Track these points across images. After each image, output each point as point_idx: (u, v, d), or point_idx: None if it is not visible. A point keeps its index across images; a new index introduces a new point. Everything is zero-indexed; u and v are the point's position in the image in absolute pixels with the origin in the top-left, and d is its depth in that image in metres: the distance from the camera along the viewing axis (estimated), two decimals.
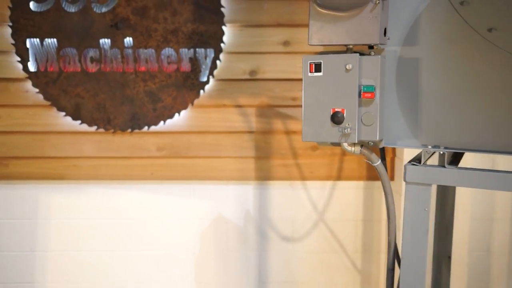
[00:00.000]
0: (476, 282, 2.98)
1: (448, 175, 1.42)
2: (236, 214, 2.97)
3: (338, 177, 2.92)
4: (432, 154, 1.54)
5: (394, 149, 2.78)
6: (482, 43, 1.33)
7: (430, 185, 1.43)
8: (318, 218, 2.96)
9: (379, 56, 1.38)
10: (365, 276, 3.01)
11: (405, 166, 1.45)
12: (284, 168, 2.90)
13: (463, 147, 1.44)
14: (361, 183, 2.92)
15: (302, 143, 2.87)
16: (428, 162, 1.47)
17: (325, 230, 2.97)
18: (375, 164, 1.48)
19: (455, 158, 1.63)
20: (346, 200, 2.95)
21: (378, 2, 1.34)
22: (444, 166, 1.43)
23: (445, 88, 1.41)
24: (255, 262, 3.00)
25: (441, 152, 1.44)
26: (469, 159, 2.30)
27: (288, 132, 2.87)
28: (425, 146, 1.45)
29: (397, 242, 1.64)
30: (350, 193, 2.94)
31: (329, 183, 2.93)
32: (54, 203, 2.93)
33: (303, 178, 2.91)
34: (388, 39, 1.44)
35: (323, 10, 1.38)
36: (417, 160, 1.49)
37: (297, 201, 2.95)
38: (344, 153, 2.88)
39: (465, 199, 2.79)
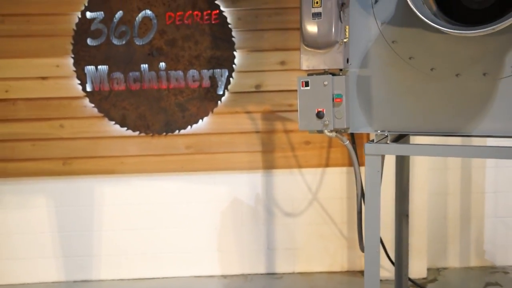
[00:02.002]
0: (435, 243, 3.80)
1: (389, 148, 2.28)
2: (248, 197, 3.76)
3: (327, 165, 3.73)
4: (385, 137, 2.38)
5: (368, 137, 3.56)
6: (405, 66, 2.18)
7: (379, 155, 2.27)
8: (312, 197, 3.77)
9: (344, 76, 2.23)
10: (350, 242, 3.80)
11: (364, 144, 2.29)
12: (284, 159, 3.71)
13: (399, 130, 2.28)
14: (344, 169, 3.72)
15: (298, 139, 3.68)
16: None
17: (318, 206, 3.78)
18: (345, 143, 2.33)
19: (399, 138, 2.48)
20: (333, 182, 3.75)
21: (342, 43, 2.19)
22: (387, 143, 2.28)
23: (385, 94, 2.25)
24: (264, 233, 3.80)
25: (386, 134, 2.29)
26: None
27: (286, 131, 3.68)
28: (376, 131, 2.29)
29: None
30: (336, 176, 3.75)
31: (320, 170, 3.74)
32: (106, 192, 3.72)
33: (299, 166, 3.72)
34: (350, 64, 2.28)
35: (309, 49, 2.23)
36: (372, 141, 2.33)
37: (296, 184, 3.75)
38: (330, 145, 3.70)
39: (423, 178, 3.60)
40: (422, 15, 1.93)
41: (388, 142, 2.30)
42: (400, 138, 2.51)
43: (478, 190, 3.76)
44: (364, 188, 2.37)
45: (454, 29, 1.93)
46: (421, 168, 3.58)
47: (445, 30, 1.92)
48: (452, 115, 2.17)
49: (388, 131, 2.29)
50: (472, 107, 2.13)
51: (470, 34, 1.93)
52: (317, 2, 2.14)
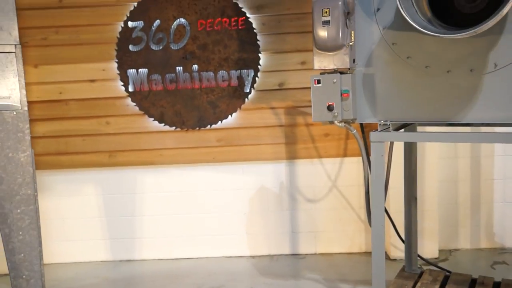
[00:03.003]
0: (447, 227, 4.10)
1: (389, 136, 2.63)
2: (273, 184, 4.16)
3: (344, 155, 4.08)
4: (387, 127, 2.73)
5: None
6: (404, 64, 2.53)
7: (382, 142, 2.63)
8: (332, 184, 4.14)
9: (351, 74, 2.60)
10: (367, 225, 4.12)
11: (369, 133, 2.65)
12: (306, 150, 4.08)
13: (400, 120, 2.63)
14: (361, 158, 4.04)
15: (318, 131, 4.04)
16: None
17: (337, 193, 4.14)
18: (353, 132, 2.70)
19: (401, 127, 2.83)
20: (351, 170, 4.10)
21: (348, 46, 2.55)
22: (389, 131, 2.63)
23: (387, 89, 2.61)
24: (288, 218, 4.18)
25: (388, 123, 2.64)
26: None
27: (307, 125, 4.05)
28: (379, 120, 2.65)
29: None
30: (354, 166, 4.09)
31: (338, 159, 4.09)
32: (147, 181, 4.18)
33: (319, 156, 4.09)
34: (356, 64, 2.65)
35: (320, 51, 2.61)
36: (376, 129, 2.69)
37: (316, 173, 4.12)
38: (347, 137, 4.04)
39: (434, 166, 3.91)
40: (414, 22, 2.29)
41: (390, 130, 2.65)
42: (402, 127, 2.85)
43: (487, 177, 4.04)
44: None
45: (441, 33, 2.27)
46: (432, 157, 3.89)
47: (433, 35, 2.27)
48: (444, 106, 2.51)
49: (390, 121, 2.64)
50: (461, 99, 2.47)
51: (455, 37, 2.27)
52: (326, 12, 2.52)
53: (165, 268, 4.06)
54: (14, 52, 2.53)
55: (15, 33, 2.53)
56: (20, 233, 2.56)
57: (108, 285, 3.78)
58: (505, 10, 2.14)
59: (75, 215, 4.20)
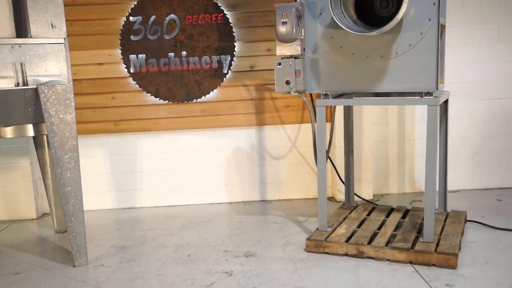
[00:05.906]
0: (379, 177, 5.31)
1: (329, 101, 3.78)
2: (246, 145, 5.26)
3: (302, 122, 5.22)
4: (327, 96, 3.86)
5: None
6: (338, 52, 3.68)
7: (324, 106, 3.77)
8: (292, 145, 5.28)
9: (302, 59, 3.72)
10: None
11: (316, 100, 3.79)
12: (271, 118, 5.20)
13: (336, 90, 3.78)
14: (315, 124, 5.22)
15: (281, 103, 5.17)
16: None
17: (296, 152, 5.29)
18: (303, 99, 3.83)
19: (338, 96, 3.99)
20: (307, 134, 5.24)
21: (300, 39, 3.67)
22: (328, 98, 3.79)
23: (327, 69, 3.75)
24: (258, 172, 5.31)
25: (328, 93, 3.78)
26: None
27: (272, 98, 5.17)
28: (322, 91, 3.80)
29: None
30: (309, 130, 5.22)
31: (297, 125, 5.23)
32: (145, 144, 5.21)
33: (282, 123, 5.22)
34: (306, 51, 3.77)
35: (280, 43, 3.72)
36: (320, 97, 3.83)
37: (280, 136, 5.25)
38: (304, 108, 5.19)
39: (369, 130, 5.10)
40: (341, 24, 3.42)
41: (329, 98, 3.80)
42: (339, 96, 4.01)
43: (410, 138, 5.27)
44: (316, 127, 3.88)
45: (358, 31, 3.41)
46: (368, 123, 5.08)
47: (353, 33, 3.41)
48: (364, 81, 3.67)
49: (329, 91, 3.79)
50: (375, 76, 3.63)
51: (368, 34, 3.42)
52: (284, 15, 3.63)
53: (161, 212, 5.13)
54: (64, 43, 3.54)
55: (64, 29, 3.52)
56: (68, 172, 3.59)
57: (118, 223, 4.83)
58: (399, 16, 3.30)
59: (87, 172, 5.19)
